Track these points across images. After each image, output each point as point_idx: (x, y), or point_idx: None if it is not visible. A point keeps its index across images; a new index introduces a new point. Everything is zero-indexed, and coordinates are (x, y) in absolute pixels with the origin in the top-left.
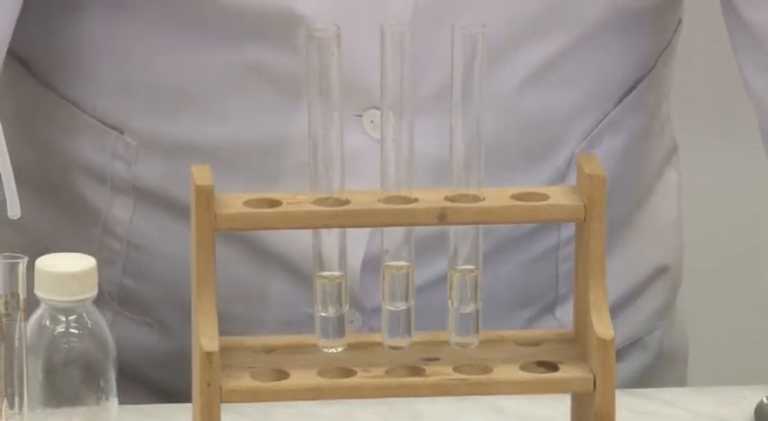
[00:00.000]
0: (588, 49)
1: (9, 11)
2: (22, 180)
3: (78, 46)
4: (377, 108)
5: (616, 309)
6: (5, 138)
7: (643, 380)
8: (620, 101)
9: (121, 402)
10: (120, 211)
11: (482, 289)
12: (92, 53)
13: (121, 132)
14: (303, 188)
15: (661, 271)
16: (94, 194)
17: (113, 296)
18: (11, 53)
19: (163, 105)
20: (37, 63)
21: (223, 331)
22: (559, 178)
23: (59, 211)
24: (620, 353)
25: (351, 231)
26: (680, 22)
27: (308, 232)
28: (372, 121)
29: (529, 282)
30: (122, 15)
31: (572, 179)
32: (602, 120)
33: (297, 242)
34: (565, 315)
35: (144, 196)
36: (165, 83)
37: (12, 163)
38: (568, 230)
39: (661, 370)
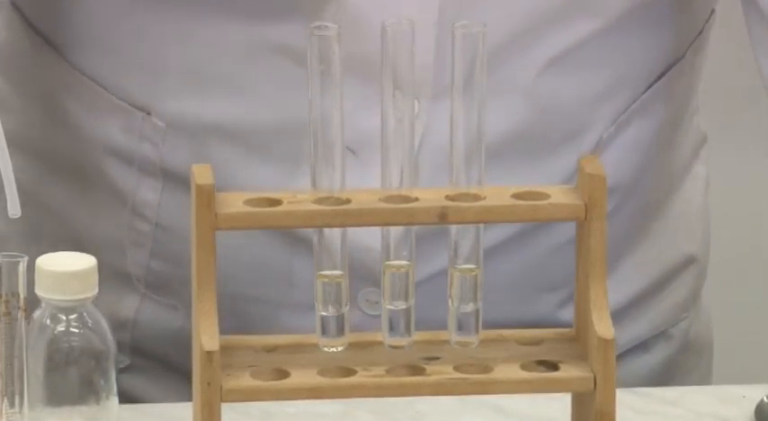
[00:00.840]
0: (614, 36)
1: None
2: (50, 163)
3: (105, 27)
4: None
5: (643, 300)
6: (32, 121)
7: (669, 371)
8: (648, 87)
9: (145, 385)
10: (148, 193)
11: (483, 287)
12: (118, 34)
13: (149, 113)
14: None
15: (688, 261)
16: (122, 176)
17: (141, 279)
18: (37, 32)
19: (189, 86)
20: (63, 43)
21: (245, 313)
22: None
23: (87, 194)
24: (646, 345)
25: None
26: (713, 12)
27: None
28: None
29: (559, 265)
30: None
31: None
32: (630, 106)
33: None
34: None
35: (172, 178)
36: (191, 63)
37: (39, 146)
38: None
39: (687, 361)
